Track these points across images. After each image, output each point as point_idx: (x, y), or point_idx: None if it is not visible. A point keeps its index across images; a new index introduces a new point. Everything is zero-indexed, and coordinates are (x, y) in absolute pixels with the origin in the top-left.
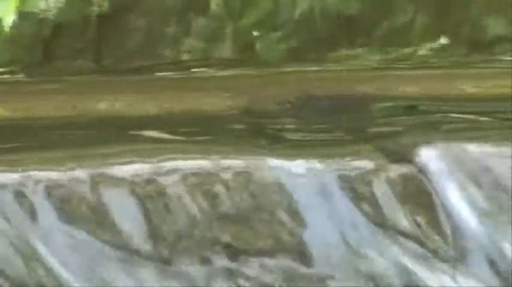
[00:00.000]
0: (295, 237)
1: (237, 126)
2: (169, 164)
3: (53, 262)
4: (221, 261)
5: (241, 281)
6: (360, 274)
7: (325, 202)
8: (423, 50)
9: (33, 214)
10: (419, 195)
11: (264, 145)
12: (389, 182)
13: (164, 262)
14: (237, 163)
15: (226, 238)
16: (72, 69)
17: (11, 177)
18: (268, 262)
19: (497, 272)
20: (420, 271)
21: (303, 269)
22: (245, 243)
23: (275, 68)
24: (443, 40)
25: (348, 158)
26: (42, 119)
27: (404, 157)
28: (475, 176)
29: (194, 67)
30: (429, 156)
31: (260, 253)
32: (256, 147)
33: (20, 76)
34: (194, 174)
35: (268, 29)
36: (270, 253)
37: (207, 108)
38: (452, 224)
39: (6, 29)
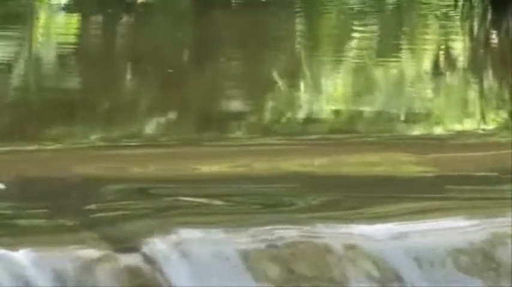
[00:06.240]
0: None
1: None
2: None
3: None
4: None
5: None
6: None
7: None
8: (150, 127)
9: None
10: None
11: None
12: (115, 273)
13: None
14: None
15: None
16: None
17: None
18: None
19: None
20: None
21: None
22: None
23: None
24: (171, 115)
25: (70, 247)
26: None
27: (131, 245)
28: (209, 265)
29: None
30: (159, 245)
31: None
32: None
33: None
34: None
35: None
36: None
37: None
38: None
39: None
